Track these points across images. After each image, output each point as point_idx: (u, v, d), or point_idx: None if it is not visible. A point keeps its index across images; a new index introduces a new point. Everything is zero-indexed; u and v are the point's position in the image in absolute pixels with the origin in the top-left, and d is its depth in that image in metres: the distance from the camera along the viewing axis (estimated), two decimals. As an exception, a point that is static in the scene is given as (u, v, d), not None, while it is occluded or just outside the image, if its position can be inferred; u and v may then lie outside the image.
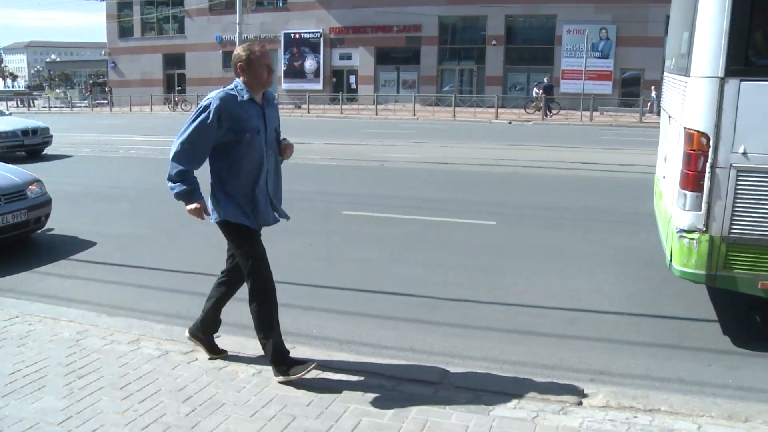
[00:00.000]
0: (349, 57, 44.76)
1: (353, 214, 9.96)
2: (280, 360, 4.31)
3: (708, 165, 4.86)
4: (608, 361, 5.03)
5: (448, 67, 43.30)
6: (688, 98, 5.06)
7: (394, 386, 4.27)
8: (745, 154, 4.80)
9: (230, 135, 4.10)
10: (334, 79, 45.21)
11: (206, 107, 4.05)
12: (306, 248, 8.13)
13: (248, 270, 4.26)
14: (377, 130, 25.36)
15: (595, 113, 32.70)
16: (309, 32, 45.00)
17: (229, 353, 4.74)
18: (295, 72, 45.57)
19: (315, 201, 10.90)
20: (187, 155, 4.10)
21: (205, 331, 4.71)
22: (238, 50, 4.22)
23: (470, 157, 17.15)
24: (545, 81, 35.59)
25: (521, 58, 41.64)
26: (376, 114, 35.58)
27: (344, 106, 38.29)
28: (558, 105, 34.41)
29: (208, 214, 4.23)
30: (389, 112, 36.15)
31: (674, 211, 5.23)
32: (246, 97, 4.14)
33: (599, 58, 38.69)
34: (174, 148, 4.10)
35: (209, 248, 8.16)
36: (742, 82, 4.75)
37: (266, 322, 4.30)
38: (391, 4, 41.09)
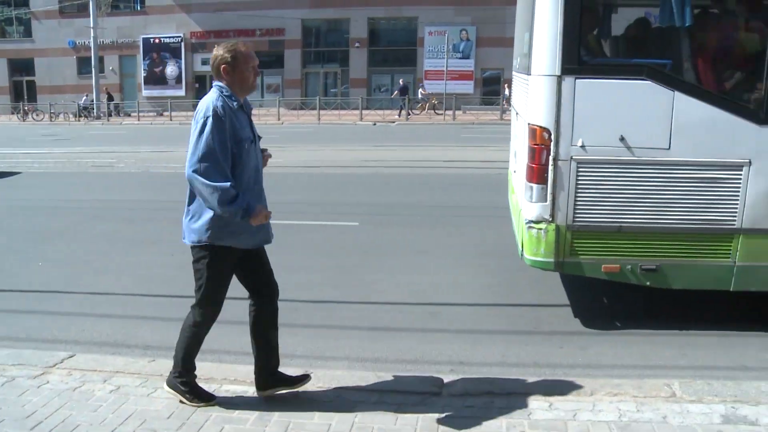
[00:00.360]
0: (211, 62, 43.80)
1: (217, 222, 9.74)
2: (187, 389, 4.10)
3: (551, 158, 5.16)
4: (467, 351, 5.22)
5: (312, 70, 43.35)
6: (530, 95, 5.34)
7: (256, 392, 4.24)
8: (583, 146, 5.13)
9: (232, 145, 3.71)
10: (197, 85, 44.01)
11: (213, 114, 3.64)
12: (167, 258, 7.90)
13: (205, 297, 3.99)
14: (242, 136, 24.95)
15: (457, 112, 33.75)
16: (169, 37, 43.71)
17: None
18: (156, 78, 44.18)
19: (176, 210, 10.52)
20: (216, 169, 3.62)
21: (273, 371, 4.24)
22: (221, 51, 3.79)
23: (334, 159, 17.28)
24: (401, 83, 36.32)
25: (385, 60, 42.35)
26: (241, 119, 34.96)
27: (208, 112, 37.37)
28: (441, 105, 35.25)
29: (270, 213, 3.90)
30: (254, 117, 35.16)
31: (523, 204, 5.50)
32: (236, 104, 3.79)
33: (460, 58, 39.97)
34: (197, 173, 3.62)
35: (64, 266, 7.81)
36: (577, 80, 5.08)
37: (191, 354, 4.12)
38: (253, 8, 40.59)
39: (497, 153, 16.43)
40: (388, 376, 4.54)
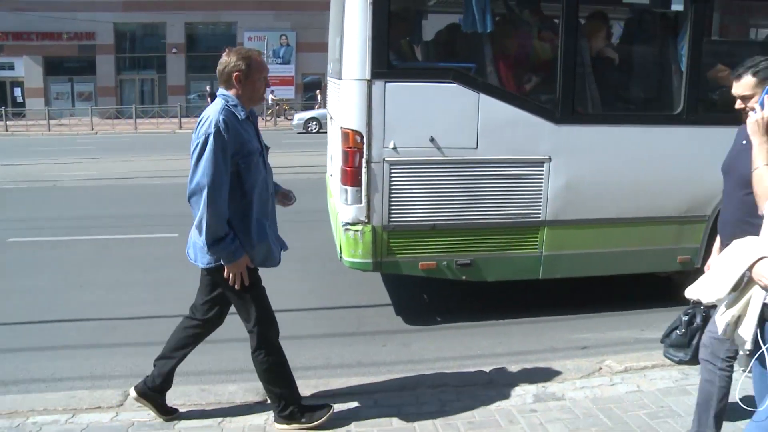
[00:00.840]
0: (11, 67, 40.15)
1: (21, 241, 9.02)
2: (301, 413, 3.86)
3: (364, 161, 5.24)
4: (292, 355, 5.10)
5: (127, 77, 41.29)
6: (342, 99, 5.41)
7: (69, 419, 3.97)
8: (395, 148, 5.25)
9: (239, 160, 3.50)
10: (-4, 92, 40.51)
11: (215, 132, 3.38)
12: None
13: (257, 319, 3.75)
14: (50, 148, 23.33)
15: (278, 118, 33.59)
16: (-45, 36, 39.49)
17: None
18: (-58, 84, 39.85)
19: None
20: (218, 195, 3.41)
21: (159, 389, 3.95)
22: (232, 57, 3.53)
23: (153, 169, 16.58)
24: (207, 89, 35.47)
25: (204, 66, 40.91)
26: (49, 130, 32.44)
27: (9, 123, 33.98)
28: (293, 111, 34.76)
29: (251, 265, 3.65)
30: (64, 128, 33.27)
31: (340, 207, 5.56)
32: (243, 115, 3.54)
33: (281, 63, 39.76)
34: (199, 196, 3.42)
35: None
36: (386, 83, 5.19)
37: (282, 376, 3.86)
38: (58, 9, 37.55)
39: (317, 157, 16.55)
40: (212, 389, 4.45)
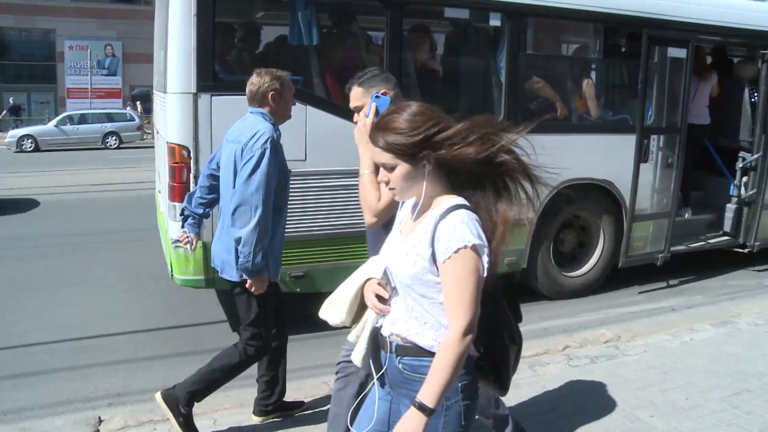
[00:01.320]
0: None
1: None
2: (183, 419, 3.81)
3: (191, 176, 5.14)
4: (126, 381, 5.00)
5: None
6: (168, 114, 5.28)
7: None
8: (225, 162, 5.18)
9: (280, 177, 3.66)
10: None
11: (271, 147, 3.54)
12: None
13: (259, 333, 3.85)
14: None
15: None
16: None
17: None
18: None
19: None
20: (269, 211, 3.55)
21: (278, 401, 4.23)
22: (266, 77, 3.66)
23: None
24: (11, 102, 33.02)
25: (18, 76, 38.26)
26: None
27: None
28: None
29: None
30: None
31: (169, 223, 5.41)
32: (279, 134, 3.68)
33: (107, 75, 38.10)
34: (250, 211, 3.49)
35: None
36: (213, 97, 5.14)
37: (210, 388, 3.91)
38: None
39: (147, 173, 15.96)
40: (35, 426, 4.19)
